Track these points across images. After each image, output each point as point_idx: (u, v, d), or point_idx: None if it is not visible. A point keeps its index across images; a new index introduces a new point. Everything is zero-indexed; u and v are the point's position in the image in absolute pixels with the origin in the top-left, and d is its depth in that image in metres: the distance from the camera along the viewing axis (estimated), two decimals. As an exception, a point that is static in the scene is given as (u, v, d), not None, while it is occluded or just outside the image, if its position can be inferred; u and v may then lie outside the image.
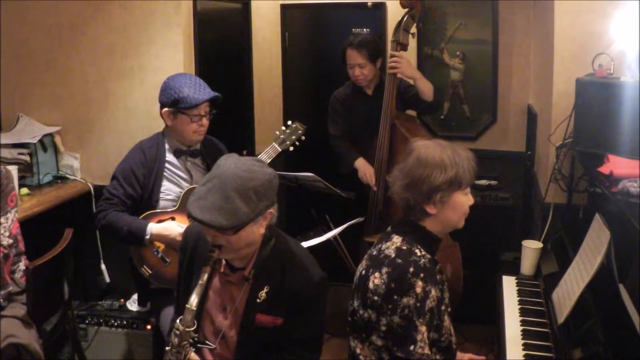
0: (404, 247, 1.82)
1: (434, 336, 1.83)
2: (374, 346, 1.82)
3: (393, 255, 1.80)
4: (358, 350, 1.86)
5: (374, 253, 1.87)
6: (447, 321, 1.90)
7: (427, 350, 1.75)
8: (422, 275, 1.75)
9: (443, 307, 1.87)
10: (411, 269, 1.75)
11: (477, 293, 3.14)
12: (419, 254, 1.81)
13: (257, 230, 1.80)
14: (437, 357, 1.85)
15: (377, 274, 1.79)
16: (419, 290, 1.73)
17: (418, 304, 1.73)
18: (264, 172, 1.76)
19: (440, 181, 1.77)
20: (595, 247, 2.02)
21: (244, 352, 1.88)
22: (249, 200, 1.71)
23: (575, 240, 2.33)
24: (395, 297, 1.73)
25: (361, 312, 1.83)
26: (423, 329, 1.74)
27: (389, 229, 1.93)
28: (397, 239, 1.85)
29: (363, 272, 1.86)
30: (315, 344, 1.94)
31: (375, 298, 1.77)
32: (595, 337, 1.78)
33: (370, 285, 1.79)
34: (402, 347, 1.74)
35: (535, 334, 2.08)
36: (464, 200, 1.85)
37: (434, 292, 1.78)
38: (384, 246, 1.86)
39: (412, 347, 1.73)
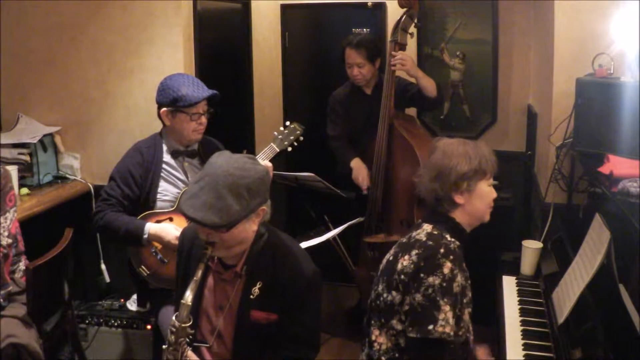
0: (435, 232, 1.90)
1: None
2: (392, 331, 1.85)
3: (424, 238, 1.88)
4: (374, 337, 1.89)
5: (404, 241, 1.94)
6: (466, 315, 1.91)
7: (448, 329, 1.75)
8: (451, 257, 1.81)
9: (466, 300, 1.89)
10: (442, 250, 1.81)
11: (477, 293, 3.10)
12: (449, 238, 1.88)
13: (249, 227, 1.80)
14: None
15: (406, 257, 1.85)
16: (446, 270, 1.78)
17: (444, 284, 1.76)
18: (256, 170, 1.75)
19: (467, 169, 1.89)
20: (595, 247, 2.02)
21: (241, 349, 1.87)
22: (241, 198, 1.70)
23: (575, 240, 2.32)
24: (422, 274, 1.78)
25: (385, 295, 1.87)
26: (447, 308, 1.76)
27: (419, 220, 2.01)
28: (427, 226, 1.93)
29: (391, 258, 1.92)
30: (312, 340, 1.91)
31: (402, 277, 1.82)
32: (595, 337, 1.78)
33: (399, 266, 1.84)
34: (419, 327, 1.75)
35: (535, 334, 2.08)
36: (489, 190, 1.97)
37: (460, 278, 1.81)
38: (414, 233, 1.93)
39: (431, 327, 1.74)
